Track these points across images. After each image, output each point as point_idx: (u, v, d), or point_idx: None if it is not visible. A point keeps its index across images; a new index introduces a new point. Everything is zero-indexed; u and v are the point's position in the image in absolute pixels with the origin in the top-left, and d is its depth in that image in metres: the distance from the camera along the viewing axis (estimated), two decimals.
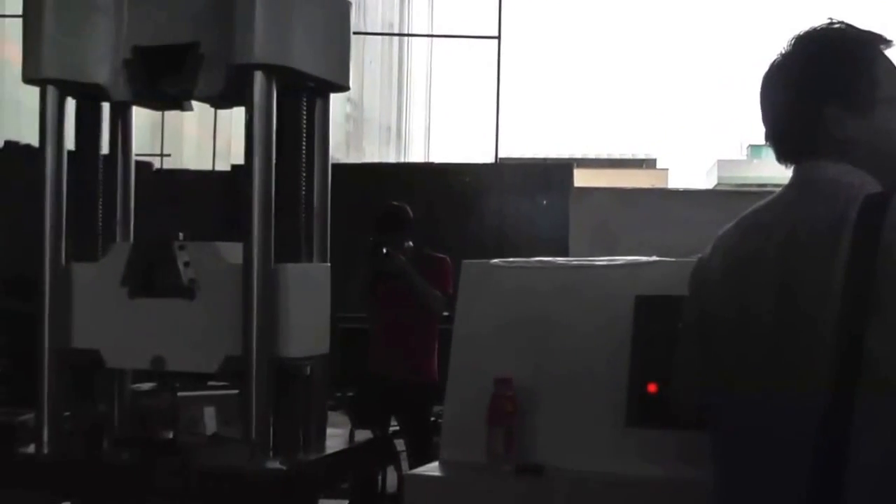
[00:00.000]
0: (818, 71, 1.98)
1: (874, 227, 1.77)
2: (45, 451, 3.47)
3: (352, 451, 3.55)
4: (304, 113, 3.55)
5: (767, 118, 2.05)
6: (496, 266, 3.37)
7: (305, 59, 3.39)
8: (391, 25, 27.16)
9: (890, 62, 2.01)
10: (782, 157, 2.03)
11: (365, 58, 26.26)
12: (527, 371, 2.85)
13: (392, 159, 26.52)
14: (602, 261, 3.08)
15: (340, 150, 25.56)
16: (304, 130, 3.55)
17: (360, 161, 22.57)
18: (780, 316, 1.89)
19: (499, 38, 13.11)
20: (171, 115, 16.02)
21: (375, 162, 19.52)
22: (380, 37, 25.82)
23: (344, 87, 3.67)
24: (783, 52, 2.03)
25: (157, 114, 13.12)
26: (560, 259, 3.22)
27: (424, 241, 6.93)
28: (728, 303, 2.00)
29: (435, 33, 23.95)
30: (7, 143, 11.78)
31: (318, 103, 3.65)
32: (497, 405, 2.83)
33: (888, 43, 2.01)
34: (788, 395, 1.87)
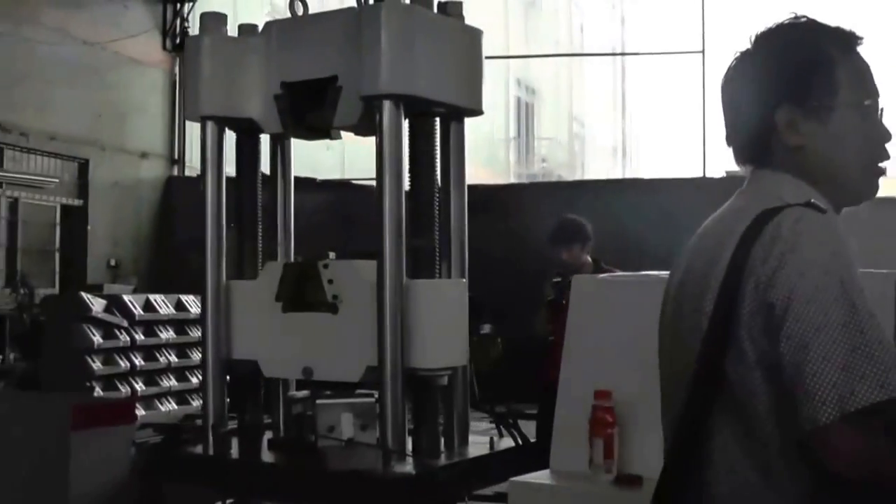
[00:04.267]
0: (773, 72, 1.81)
1: (748, 247, 1.63)
2: (210, 451, 3.80)
3: (488, 458, 3.70)
4: (438, 137, 3.74)
5: (726, 120, 1.90)
6: (604, 280, 3.45)
7: (433, 87, 3.58)
8: (612, 47, 27.16)
9: (859, 63, 1.84)
10: (738, 161, 1.88)
11: (587, 78, 26.39)
12: (629, 383, 2.90)
13: (617, 175, 26.40)
14: None
15: (564, 168, 25.74)
16: (439, 153, 3.76)
17: (583, 178, 22.61)
18: (670, 335, 1.85)
19: (703, 52, 13.01)
20: None
21: (592, 179, 19.50)
22: (600, 58, 25.85)
23: (477, 112, 3.83)
24: (743, 50, 1.87)
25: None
26: (665, 272, 3.24)
27: (637, 255, 6.90)
28: (662, 311, 1.94)
29: (645, 51, 23.74)
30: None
31: (453, 127, 3.83)
32: (597, 416, 2.90)
33: (857, 39, 1.83)
34: (670, 405, 1.82)
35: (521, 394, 5.96)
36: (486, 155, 19.66)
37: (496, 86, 20.87)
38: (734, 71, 1.87)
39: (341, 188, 13.03)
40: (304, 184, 13.66)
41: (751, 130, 1.83)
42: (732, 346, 1.60)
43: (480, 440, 3.89)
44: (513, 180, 21.30)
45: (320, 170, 13.73)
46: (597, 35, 26.48)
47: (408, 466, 3.39)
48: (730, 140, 1.88)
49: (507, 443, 3.86)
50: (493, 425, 4.24)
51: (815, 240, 1.62)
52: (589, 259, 6.68)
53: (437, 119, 3.74)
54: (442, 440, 3.69)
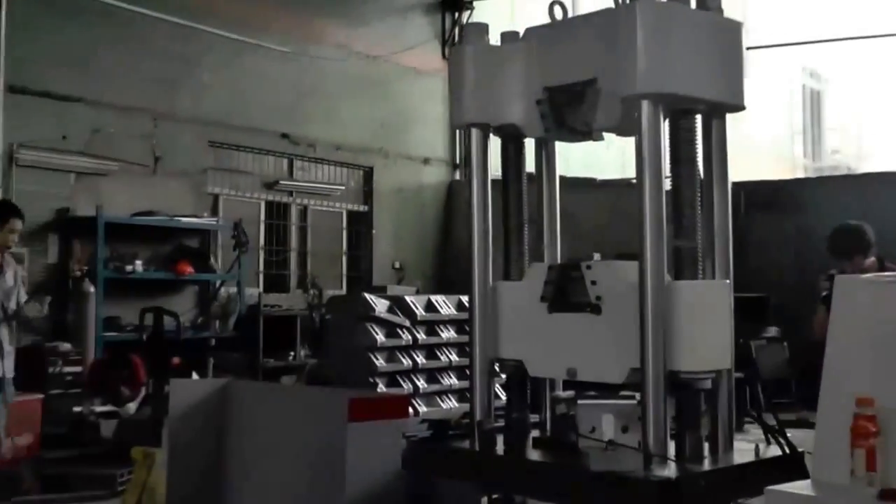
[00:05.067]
0: None
1: None
2: (476, 447, 3.91)
3: (753, 466, 3.60)
4: (699, 134, 3.69)
5: None
6: (867, 281, 3.25)
7: (692, 84, 3.53)
8: None
9: None
10: None
11: (878, 62, 24.95)
12: (894, 390, 2.73)
13: None
14: None
15: (856, 159, 24.48)
16: (700, 151, 3.70)
17: (876, 170, 21.40)
18: None
19: None
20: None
21: (887, 171, 18.37)
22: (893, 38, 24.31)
23: (739, 107, 3.73)
24: None
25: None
26: None
27: None
28: None
29: None
30: None
31: (715, 123, 3.76)
32: (858, 425, 2.73)
33: None
34: None
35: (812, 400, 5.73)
36: (771, 149, 18.99)
37: (781, 75, 20.11)
38: None
39: (621, 187, 12.97)
40: (584, 184, 13.71)
41: None
42: None
43: (746, 447, 3.78)
44: (800, 174, 20.44)
45: (603, 168, 13.74)
46: (889, 13, 24.97)
47: (668, 470, 3.35)
48: None
49: (774, 451, 3.75)
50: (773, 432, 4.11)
51: None
52: (873, 260, 6.34)
53: (699, 116, 3.68)
54: (706, 445, 3.62)
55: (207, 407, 4.85)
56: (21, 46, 11.09)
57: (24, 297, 7.14)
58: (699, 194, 3.69)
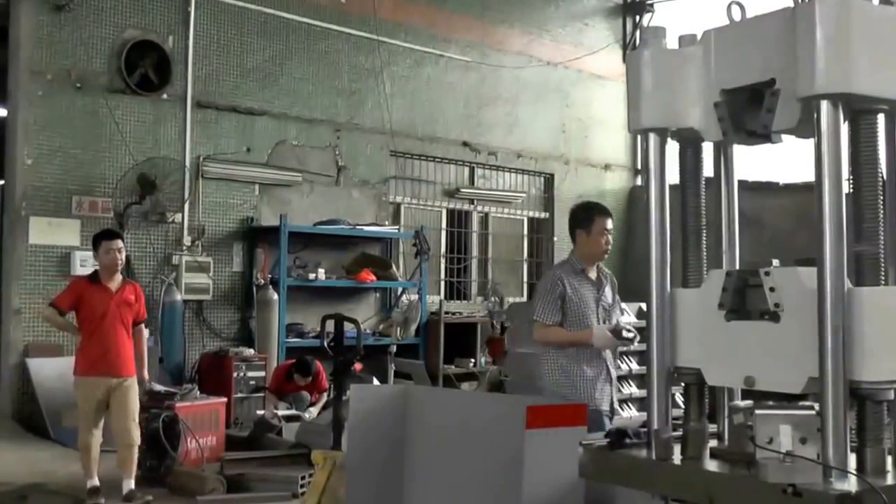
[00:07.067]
0: None
1: None
2: (653, 456, 3.87)
3: None
4: (882, 135, 3.57)
5: None
6: None
7: (874, 83, 3.41)
8: None
9: None
10: None
11: None
12: None
13: None
14: None
15: None
16: (883, 152, 3.58)
17: None
18: None
19: None
20: None
21: None
22: None
23: None
24: None
25: None
26: None
27: None
28: None
29: None
30: None
31: None
32: None
33: None
34: None
35: None
36: None
37: None
38: None
39: (806, 191, 12.61)
40: (766, 188, 13.38)
41: None
42: None
43: None
44: None
45: (786, 171, 13.41)
46: None
47: (848, 484, 3.25)
48: None
49: None
50: None
51: None
52: None
53: (880, 115, 3.56)
54: (889, 459, 3.49)
55: (387, 412, 4.98)
56: (208, 63, 11.65)
57: (623, 319, 6.86)
58: (881, 197, 3.57)
